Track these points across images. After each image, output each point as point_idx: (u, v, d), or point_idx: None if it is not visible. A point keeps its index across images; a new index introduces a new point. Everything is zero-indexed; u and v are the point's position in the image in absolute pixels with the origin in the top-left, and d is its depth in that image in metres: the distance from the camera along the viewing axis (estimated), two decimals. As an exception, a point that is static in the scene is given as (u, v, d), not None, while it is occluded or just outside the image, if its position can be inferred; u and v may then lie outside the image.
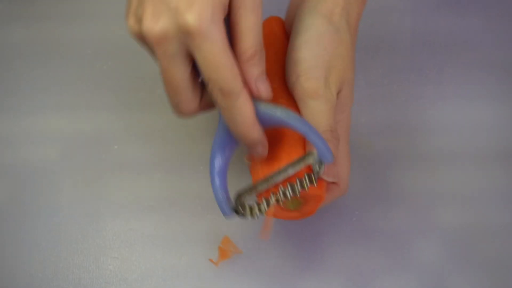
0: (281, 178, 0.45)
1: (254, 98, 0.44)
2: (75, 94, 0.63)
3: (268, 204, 0.45)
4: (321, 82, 0.46)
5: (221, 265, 0.56)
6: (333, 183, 0.48)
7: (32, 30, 0.66)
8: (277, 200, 0.45)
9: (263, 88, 0.43)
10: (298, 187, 0.45)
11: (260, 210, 0.45)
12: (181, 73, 0.42)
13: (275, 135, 0.47)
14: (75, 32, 0.66)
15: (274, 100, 0.47)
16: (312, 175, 0.44)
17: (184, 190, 0.59)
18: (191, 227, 0.58)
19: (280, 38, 0.53)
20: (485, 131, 0.63)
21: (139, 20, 0.41)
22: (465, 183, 0.60)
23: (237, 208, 0.46)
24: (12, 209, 0.58)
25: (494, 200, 0.60)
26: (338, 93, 0.48)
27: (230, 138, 0.46)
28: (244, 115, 0.43)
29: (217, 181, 0.46)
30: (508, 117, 0.64)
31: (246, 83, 0.43)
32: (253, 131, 0.44)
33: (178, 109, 0.45)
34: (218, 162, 0.46)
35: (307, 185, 0.44)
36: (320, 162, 0.44)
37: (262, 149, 0.45)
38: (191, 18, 0.39)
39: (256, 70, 0.43)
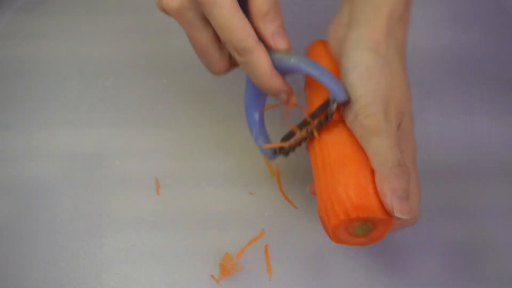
0: (306, 122, 0.50)
1: (273, 50, 0.48)
2: (76, 111, 0.64)
3: (296, 142, 0.52)
4: (381, 117, 0.45)
5: (223, 282, 0.56)
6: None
7: (34, 47, 0.67)
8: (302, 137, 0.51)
9: (280, 41, 0.47)
10: (317, 125, 0.49)
11: (292, 149, 0.52)
12: (204, 37, 0.48)
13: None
14: (76, 49, 0.67)
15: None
16: (327, 115, 0.48)
17: (186, 206, 0.59)
18: (193, 243, 0.58)
19: (330, 61, 0.53)
20: (487, 146, 0.63)
21: None
22: (467, 198, 0.60)
23: (276, 150, 0.53)
24: (13, 225, 0.58)
25: (496, 215, 0.60)
26: (399, 124, 0.47)
27: (258, 89, 0.50)
28: (261, 68, 0.47)
29: (254, 130, 0.53)
30: (510, 132, 0.64)
31: (262, 38, 0.47)
32: (272, 81, 0.48)
33: (211, 70, 0.51)
34: (252, 113, 0.52)
35: (323, 123, 0.48)
36: (334, 101, 0.47)
37: (286, 96, 0.50)
38: None
39: (272, 26, 0.47)
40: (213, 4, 0.44)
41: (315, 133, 0.49)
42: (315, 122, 0.49)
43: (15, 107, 0.64)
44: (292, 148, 0.52)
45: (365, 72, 0.46)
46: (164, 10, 0.48)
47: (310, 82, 0.53)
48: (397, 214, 0.44)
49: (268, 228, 0.58)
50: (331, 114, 0.47)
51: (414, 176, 0.48)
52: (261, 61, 0.47)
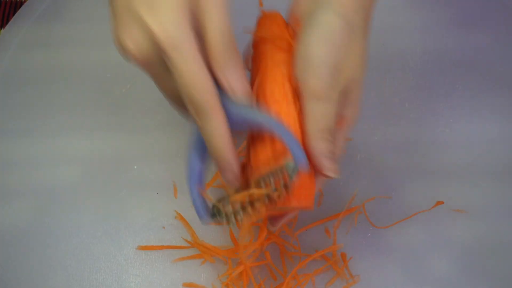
0: (256, 189, 0.44)
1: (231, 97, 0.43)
2: (95, 117, 0.64)
3: (241, 214, 0.45)
4: (327, 82, 0.46)
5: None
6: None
7: (52, 55, 0.68)
8: (251, 211, 0.45)
9: (239, 87, 0.43)
10: (269, 198, 0.44)
11: (236, 219, 0.45)
12: (171, 86, 0.44)
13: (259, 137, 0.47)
14: (95, 56, 0.67)
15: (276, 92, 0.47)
16: (286, 184, 0.44)
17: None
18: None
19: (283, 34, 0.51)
20: (496, 147, 0.64)
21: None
22: (477, 198, 0.61)
23: (214, 214, 0.46)
24: (35, 229, 0.59)
25: (506, 214, 0.61)
26: (345, 92, 0.47)
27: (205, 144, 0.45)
28: (216, 138, 0.43)
29: (194, 186, 0.46)
30: (519, 133, 0.65)
31: (217, 82, 0.43)
32: (223, 153, 0.44)
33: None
34: (194, 167, 0.46)
35: (281, 195, 0.44)
36: (295, 169, 0.43)
37: (232, 175, 0.45)
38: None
39: (226, 67, 0.43)
40: (173, 49, 0.41)
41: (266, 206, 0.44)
42: (269, 190, 0.44)
43: (35, 114, 0.65)
44: (239, 220, 0.45)
45: (326, 33, 0.46)
46: (126, 56, 0.43)
47: (254, 131, 0.48)
48: (327, 172, 0.46)
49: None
50: (289, 185, 0.43)
51: (342, 142, 0.49)
52: (217, 130, 0.43)
